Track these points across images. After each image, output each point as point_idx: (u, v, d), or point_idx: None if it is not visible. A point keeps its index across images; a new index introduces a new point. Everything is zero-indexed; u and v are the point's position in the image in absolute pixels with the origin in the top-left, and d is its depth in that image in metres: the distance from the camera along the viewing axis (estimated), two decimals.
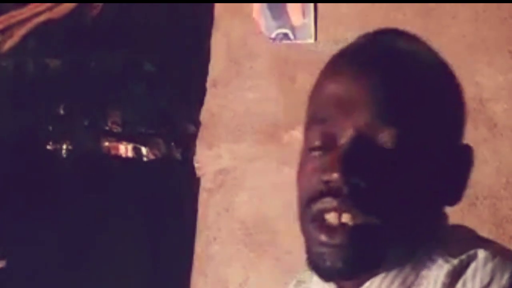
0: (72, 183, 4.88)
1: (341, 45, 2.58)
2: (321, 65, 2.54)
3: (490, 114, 2.12)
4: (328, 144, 0.95)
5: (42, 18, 3.58)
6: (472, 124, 2.07)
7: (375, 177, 0.92)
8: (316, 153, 0.96)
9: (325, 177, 0.93)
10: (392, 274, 0.95)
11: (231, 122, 2.36)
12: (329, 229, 0.93)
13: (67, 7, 3.57)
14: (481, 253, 0.93)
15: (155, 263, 4.82)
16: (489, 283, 0.91)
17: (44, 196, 4.71)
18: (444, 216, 1.01)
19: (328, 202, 0.93)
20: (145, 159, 5.56)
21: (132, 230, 4.86)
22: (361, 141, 0.93)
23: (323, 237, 0.94)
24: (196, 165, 2.40)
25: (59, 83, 4.89)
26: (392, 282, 0.95)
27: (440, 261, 0.94)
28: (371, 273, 0.95)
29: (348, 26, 2.27)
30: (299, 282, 1.11)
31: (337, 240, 0.93)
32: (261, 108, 2.33)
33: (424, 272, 0.94)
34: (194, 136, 2.49)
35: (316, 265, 0.96)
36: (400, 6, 2.22)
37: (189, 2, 4.10)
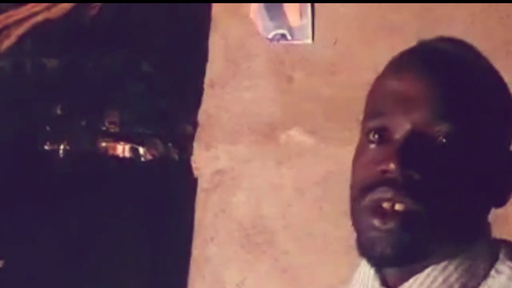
0: (70, 183, 4.88)
1: (338, 46, 2.59)
2: (319, 65, 2.55)
3: None
4: (385, 137, 1.00)
5: (39, 18, 3.58)
6: None
7: (428, 170, 0.97)
8: (372, 145, 1.01)
9: (382, 167, 0.98)
10: (435, 273, 0.98)
11: (228, 123, 2.36)
12: (383, 215, 0.97)
13: (65, 7, 3.57)
14: None
15: (152, 263, 4.81)
16: None
17: (41, 196, 4.71)
18: (488, 223, 1.06)
19: (384, 191, 0.97)
20: (142, 159, 5.56)
21: (130, 230, 4.86)
22: (417, 135, 0.98)
23: (376, 222, 0.97)
24: (193, 165, 2.40)
25: (56, 83, 4.89)
26: (434, 280, 0.98)
27: (509, 272, 0.98)
28: (418, 264, 0.98)
29: (346, 26, 2.27)
30: None
31: (389, 225, 0.96)
32: (258, 108, 2.33)
33: (490, 282, 0.98)
34: (191, 137, 2.49)
35: (366, 251, 0.99)
36: (397, 7, 2.22)
37: (187, 2, 4.10)
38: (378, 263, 1.00)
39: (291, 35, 2.31)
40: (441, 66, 1.02)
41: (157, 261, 4.77)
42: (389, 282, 1.02)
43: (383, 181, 0.97)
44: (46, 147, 5.27)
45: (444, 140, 0.98)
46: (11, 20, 3.59)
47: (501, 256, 1.00)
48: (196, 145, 2.41)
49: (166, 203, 4.73)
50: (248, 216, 2.31)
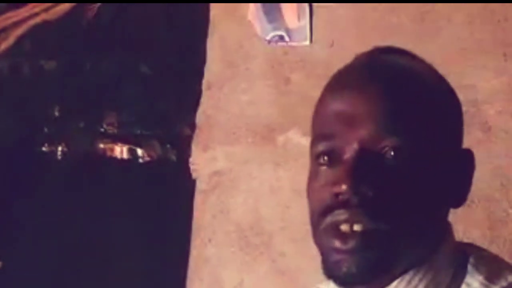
0: (68, 184, 4.88)
1: (336, 48, 2.60)
2: (317, 67, 2.56)
3: (485, 117, 2.12)
4: (335, 158, 1.00)
5: (37, 19, 3.58)
6: (467, 127, 2.06)
7: (381, 185, 0.97)
8: (323, 168, 1.01)
9: (335, 190, 0.98)
10: (401, 285, 0.99)
11: (226, 124, 2.36)
12: (342, 236, 0.98)
13: (63, 8, 3.57)
14: None
15: (150, 264, 4.81)
16: None
17: (39, 198, 4.71)
18: (449, 224, 1.05)
19: (340, 214, 0.97)
20: (140, 160, 5.55)
21: (128, 231, 4.86)
22: (366, 152, 0.98)
23: (337, 243, 0.98)
24: (191, 167, 2.40)
25: (54, 85, 4.88)
26: None
27: (477, 286, 0.98)
28: (384, 278, 0.99)
29: (344, 28, 2.28)
30: None
31: (350, 245, 0.97)
32: (256, 110, 2.34)
33: None
34: (189, 138, 2.50)
35: (332, 273, 1.00)
36: (395, 9, 2.23)
37: (185, 2, 4.10)
38: (345, 283, 1.01)
39: (289, 37, 2.32)
40: (381, 79, 1.01)
41: (156, 262, 4.76)
42: None
43: (338, 204, 0.98)
44: (44, 149, 5.26)
45: (392, 153, 0.98)
46: (9, 21, 3.59)
47: (470, 268, 1.00)
48: (194, 146, 2.41)
49: (164, 204, 4.72)
50: (246, 217, 2.31)
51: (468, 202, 2.03)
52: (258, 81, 2.35)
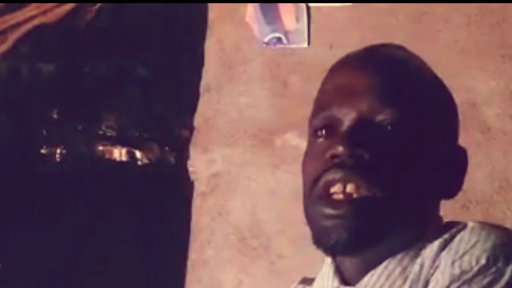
0: (66, 187, 4.88)
1: (334, 50, 2.60)
2: (315, 69, 2.56)
3: (483, 119, 2.12)
4: (333, 129, 1.01)
5: (35, 22, 3.58)
6: (465, 129, 2.07)
7: (377, 152, 0.98)
8: (321, 139, 1.02)
9: (331, 152, 0.99)
10: (391, 265, 0.98)
11: (224, 127, 2.36)
12: (335, 202, 0.98)
13: (61, 11, 3.57)
14: (470, 223, 0.98)
15: (149, 267, 4.81)
16: (473, 245, 0.94)
17: (38, 200, 4.71)
18: (440, 216, 1.05)
19: (334, 173, 0.98)
20: (139, 163, 5.55)
21: (126, 233, 4.86)
22: (363, 121, 0.99)
23: (329, 210, 0.98)
24: (190, 169, 2.40)
25: (52, 88, 4.89)
26: (391, 273, 0.98)
27: (436, 243, 0.98)
28: (374, 253, 0.98)
29: (342, 30, 2.28)
30: (303, 281, 1.14)
31: (342, 210, 0.97)
32: (254, 112, 2.34)
33: (419, 259, 0.98)
34: (188, 141, 2.50)
35: (322, 240, 0.99)
36: (393, 11, 2.23)
37: (184, 2, 4.10)
38: (335, 251, 1.00)
39: (287, 39, 2.32)
40: (384, 62, 1.04)
41: (154, 265, 4.77)
42: (348, 279, 1.02)
43: (333, 165, 0.98)
44: (42, 151, 5.27)
45: (390, 127, 0.99)
46: (7, 24, 3.59)
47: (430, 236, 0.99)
48: (192, 149, 2.41)
49: (163, 207, 4.73)
50: (245, 219, 2.31)
51: (466, 203, 2.04)
52: (256, 84, 2.35)
